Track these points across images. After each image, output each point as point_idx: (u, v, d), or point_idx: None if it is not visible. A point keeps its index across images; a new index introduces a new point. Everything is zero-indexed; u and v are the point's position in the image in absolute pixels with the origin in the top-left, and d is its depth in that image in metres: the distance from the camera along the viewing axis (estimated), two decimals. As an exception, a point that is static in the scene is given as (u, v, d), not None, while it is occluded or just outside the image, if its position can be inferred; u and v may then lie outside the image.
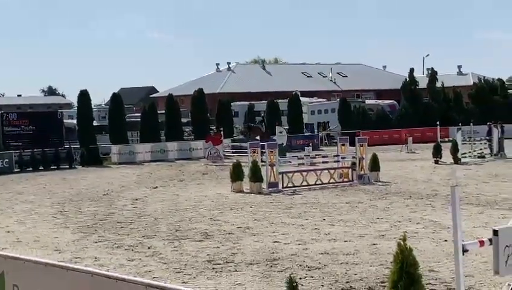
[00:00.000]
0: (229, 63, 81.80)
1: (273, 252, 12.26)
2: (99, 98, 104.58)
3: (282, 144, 33.78)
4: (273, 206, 18.45)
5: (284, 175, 22.42)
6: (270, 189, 21.69)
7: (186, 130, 46.72)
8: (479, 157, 32.11)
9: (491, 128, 33.70)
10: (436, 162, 30.55)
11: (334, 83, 78.18)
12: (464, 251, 5.88)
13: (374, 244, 12.66)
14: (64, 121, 39.59)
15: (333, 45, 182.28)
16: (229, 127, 44.76)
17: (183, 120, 45.78)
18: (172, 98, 44.59)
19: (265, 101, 50.84)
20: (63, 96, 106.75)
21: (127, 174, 30.06)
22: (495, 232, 5.71)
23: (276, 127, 38.95)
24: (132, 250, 13.03)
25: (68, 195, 22.66)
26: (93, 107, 42.71)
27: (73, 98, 75.59)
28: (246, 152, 24.45)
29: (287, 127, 45.94)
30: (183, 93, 62.92)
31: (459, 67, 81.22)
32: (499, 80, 59.63)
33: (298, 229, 14.62)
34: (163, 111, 44.52)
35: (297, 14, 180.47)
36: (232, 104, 50.64)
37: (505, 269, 5.73)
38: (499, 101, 54.36)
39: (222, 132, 37.69)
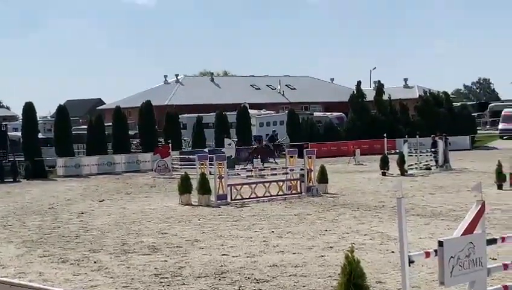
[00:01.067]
0: (177, 75, 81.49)
1: (222, 265, 12.16)
2: (45, 110, 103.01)
3: (231, 156, 33.72)
4: (222, 218, 18.35)
5: (232, 187, 22.34)
6: (219, 201, 21.59)
7: (134, 142, 46.31)
8: (425, 169, 32.61)
9: (435, 141, 34.34)
10: (384, 174, 30.90)
11: (283, 95, 78.58)
12: (410, 262, 5.93)
13: (322, 256, 12.67)
14: (9, 133, 38.75)
15: (282, 57, 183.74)
16: (177, 140, 44.48)
17: (131, 132, 45.35)
18: (120, 110, 44.17)
19: (214, 113, 50.75)
20: (7, 108, 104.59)
21: (72, 188, 29.56)
22: (440, 243, 5.77)
23: (225, 139, 38.87)
24: (78, 264, 12.77)
25: (12, 209, 22.15)
26: (38, 119, 41.94)
27: (18, 111, 74.35)
28: (194, 164, 24.30)
29: (236, 140, 45.93)
30: (131, 105, 62.43)
31: (406, 80, 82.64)
32: (444, 92, 60.80)
33: (247, 241, 14.55)
34: (111, 123, 44.04)
35: (246, 27, 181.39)
36: (180, 116, 50.38)
37: (450, 280, 5.79)
38: (444, 113, 55.38)
39: (170, 144, 37.43)
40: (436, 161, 33.31)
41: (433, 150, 34.03)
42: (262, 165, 34.35)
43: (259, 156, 37.36)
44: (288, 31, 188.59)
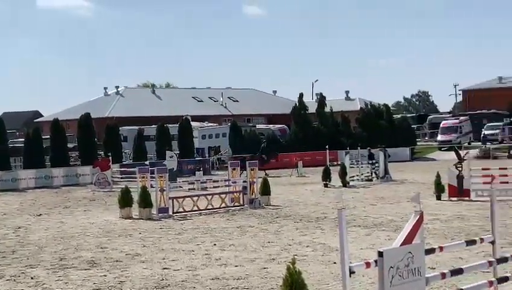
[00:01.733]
0: (117, 87, 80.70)
1: (163, 279, 11.97)
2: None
3: (173, 168, 33.46)
4: (163, 232, 18.12)
5: (174, 200, 22.12)
6: (160, 215, 21.33)
7: (73, 155, 45.55)
8: (366, 180, 32.99)
9: (371, 153, 34.88)
10: (326, 185, 31.11)
11: (225, 107, 78.63)
12: (351, 272, 5.95)
13: (265, 268, 12.60)
14: None
15: (224, 70, 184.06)
16: (117, 152, 43.95)
17: (70, 145, 44.64)
18: (58, 122, 43.44)
19: (155, 126, 50.39)
20: None
21: (9, 202, 28.84)
22: (380, 254, 5.79)
23: (167, 152, 38.58)
24: (14, 280, 12.39)
25: None
26: (-26, 132, 40.89)
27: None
28: (135, 177, 23.99)
29: (178, 152, 45.66)
30: (70, 117, 61.59)
31: (347, 92, 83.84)
32: (385, 105, 61.83)
33: (188, 255, 14.38)
34: (49, 136, 43.23)
35: (187, 39, 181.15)
36: (120, 128, 49.86)
37: None
38: (384, 125, 56.26)
39: (110, 157, 36.92)
40: (372, 173, 33.66)
41: (370, 162, 34.46)
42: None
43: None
44: (230, 44, 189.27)
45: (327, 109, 57.62)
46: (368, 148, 37.13)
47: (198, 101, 79.78)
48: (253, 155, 40.95)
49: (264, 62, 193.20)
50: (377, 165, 33.88)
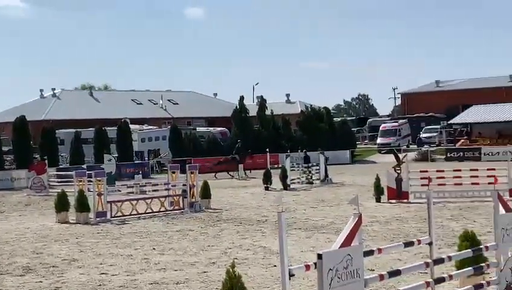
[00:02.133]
0: (53, 89, 79.10)
1: (100, 285, 11.72)
2: None
3: (111, 172, 32.99)
4: (101, 236, 17.78)
5: (112, 204, 21.76)
6: (98, 219, 20.95)
7: (8, 159, 44.48)
8: (307, 183, 33.16)
9: (307, 156, 35.06)
10: (267, 188, 31.15)
11: (165, 110, 78.03)
12: (291, 275, 5.92)
13: (205, 272, 12.48)
14: None
15: (164, 72, 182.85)
16: (53, 156, 43.12)
17: (4, 148, 43.52)
18: (-8, 125, 42.40)
19: (93, 129, 49.67)
20: None
21: None
22: (319, 256, 5.77)
23: (105, 155, 38.03)
24: None
25: None
26: None
27: None
28: (72, 181, 23.51)
29: (116, 155, 45.07)
30: (4, 120, 60.20)
31: (288, 95, 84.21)
32: (325, 108, 62.39)
33: (127, 259, 14.13)
34: (-18, 139, 42.16)
35: (126, 41, 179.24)
36: (57, 131, 48.94)
37: None
38: (325, 128, 56.77)
39: (46, 161, 36.15)
40: (309, 176, 33.73)
41: (305, 165, 34.63)
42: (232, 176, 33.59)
43: (225, 168, 36.47)
44: (170, 45, 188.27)
45: (268, 112, 57.78)
46: (304, 150, 37.36)
47: (138, 103, 78.94)
48: (230, 157, 40.55)
49: (205, 65, 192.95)
50: (315, 168, 34.10)
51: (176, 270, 12.79)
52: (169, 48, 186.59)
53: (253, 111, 58.88)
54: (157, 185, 25.79)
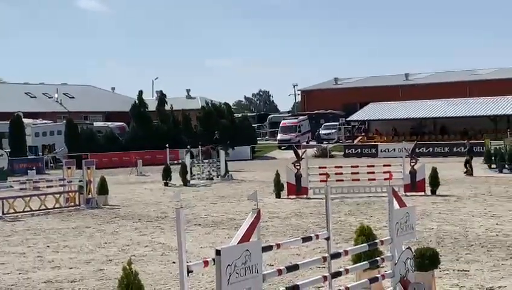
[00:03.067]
0: None
1: (-10, 285, 11.22)
2: None
3: (3, 167, 31.79)
4: (-8, 234, 17.07)
5: (4, 201, 20.92)
6: (-12, 216, 20.12)
7: None
8: (207, 179, 33.07)
9: (191, 152, 34.88)
10: (166, 184, 30.84)
11: (61, 104, 76.01)
12: (189, 271, 5.84)
13: (101, 269, 12.17)
14: None
15: (59, 64, 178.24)
16: None
17: None
18: None
19: (-17, 123, 47.83)
20: None
21: None
22: (218, 252, 5.72)
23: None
24: None
25: None
26: None
27: None
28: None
29: (9, 150, 43.53)
30: None
31: (188, 91, 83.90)
32: (226, 104, 62.51)
33: (19, 257, 13.60)
34: None
35: (19, 32, 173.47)
36: None
37: (227, 288, 5.77)
38: (225, 124, 56.87)
39: None
40: (209, 172, 33.61)
41: (205, 161, 34.41)
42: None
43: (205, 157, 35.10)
44: (66, 37, 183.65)
45: (168, 107, 57.33)
46: (188, 146, 37.15)
47: (31, 97, 76.51)
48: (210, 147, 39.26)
49: (102, 58, 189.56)
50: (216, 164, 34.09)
51: (70, 268, 12.42)
52: (66, 40, 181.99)
53: (152, 106, 58.28)
54: (52, 181, 24.98)
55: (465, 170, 31.65)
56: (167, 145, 35.66)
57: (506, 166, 32.42)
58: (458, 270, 10.88)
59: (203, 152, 35.84)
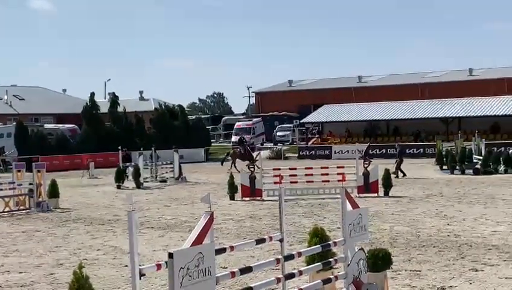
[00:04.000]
0: None
1: None
2: None
3: None
4: None
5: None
6: None
7: None
8: (161, 181, 32.84)
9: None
10: (119, 187, 30.53)
11: (10, 106, 74.64)
12: (141, 275, 5.80)
13: (52, 274, 11.97)
14: None
15: (8, 65, 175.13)
16: None
17: None
18: None
19: None
20: None
21: None
22: (170, 255, 5.68)
23: None
24: None
25: None
26: None
27: None
28: None
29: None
30: None
31: (141, 92, 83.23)
32: (179, 106, 62.20)
33: (-34, 263, 13.28)
34: None
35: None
36: None
37: None
38: (179, 126, 56.58)
39: None
40: (154, 175, 33.38)
41: (151, 162, 34.21)
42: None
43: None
44: (15, 38, 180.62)
45: (120, 109, 56.78)
46: (125, 149, 36.89)
47: (-20, 98, 75.08)
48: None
49: (54, 59, 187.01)
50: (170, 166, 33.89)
51: (20, 272, 12.19)
52: (15, 41, 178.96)
53: (104, 108, 57.65)
54: (2, 184, 24.49)
55: (395, 172, 30.47)
56: (120, 148, 35.29)
57: (457, 167, 32.96)
58: (410, 271, 11.00)
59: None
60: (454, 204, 20.35)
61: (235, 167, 34.78)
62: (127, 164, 33.75)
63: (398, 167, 31.37)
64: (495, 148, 37.99)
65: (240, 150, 39.32)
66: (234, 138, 63.56)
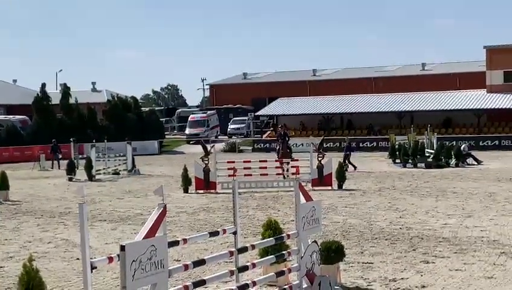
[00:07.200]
0: None
1: None
2: None
3: None
4: None
5: None
6: None
7: None
8: (113, 173, 32.51)
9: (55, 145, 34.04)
10: (70, 179, 30.13)
11: (-42, 97, 72.95)
12: (93, 268, 5.76)
13: (1, 267, 11.75)
14: None
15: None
16: None
17: None
18: None
19: None
20: None
21: None
22: (122, 248, 5.62)
23: None
24: None
25: None
26: None
27: None
28: None
29: None
30: None
31: (94, 84, 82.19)
32: (133, 97, 61.62)
33: None
34: None
35: None
36: None
37: (132, 284, 5.72)
38: (132, 118, 56.08)
39: None
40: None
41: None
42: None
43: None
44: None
45: (72, 100, 55.99)
46: (53, 140, 36.37)
47: None
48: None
49: (4, 49, 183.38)
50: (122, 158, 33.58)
51: (-32, 267, 11.90)
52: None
53: (56, 99, 56.78)
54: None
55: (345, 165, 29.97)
56: (71, 140, 34.79)
57: (410, 161, 33.40)
58: (363, 263, 11.09)
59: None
60: (407, 197, 20.61)
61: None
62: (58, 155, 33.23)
63: (347, 160, 31.60)
64: (447, 142, 38.55)
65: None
66: (188, 131, 63.28)
